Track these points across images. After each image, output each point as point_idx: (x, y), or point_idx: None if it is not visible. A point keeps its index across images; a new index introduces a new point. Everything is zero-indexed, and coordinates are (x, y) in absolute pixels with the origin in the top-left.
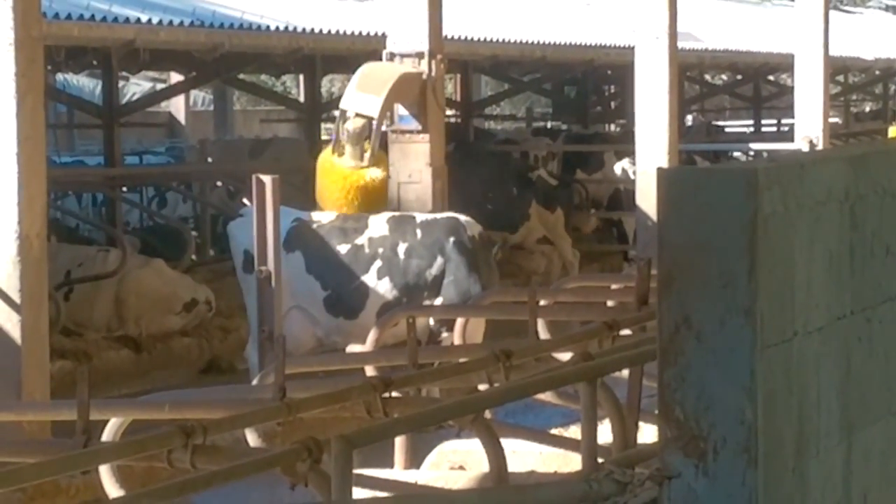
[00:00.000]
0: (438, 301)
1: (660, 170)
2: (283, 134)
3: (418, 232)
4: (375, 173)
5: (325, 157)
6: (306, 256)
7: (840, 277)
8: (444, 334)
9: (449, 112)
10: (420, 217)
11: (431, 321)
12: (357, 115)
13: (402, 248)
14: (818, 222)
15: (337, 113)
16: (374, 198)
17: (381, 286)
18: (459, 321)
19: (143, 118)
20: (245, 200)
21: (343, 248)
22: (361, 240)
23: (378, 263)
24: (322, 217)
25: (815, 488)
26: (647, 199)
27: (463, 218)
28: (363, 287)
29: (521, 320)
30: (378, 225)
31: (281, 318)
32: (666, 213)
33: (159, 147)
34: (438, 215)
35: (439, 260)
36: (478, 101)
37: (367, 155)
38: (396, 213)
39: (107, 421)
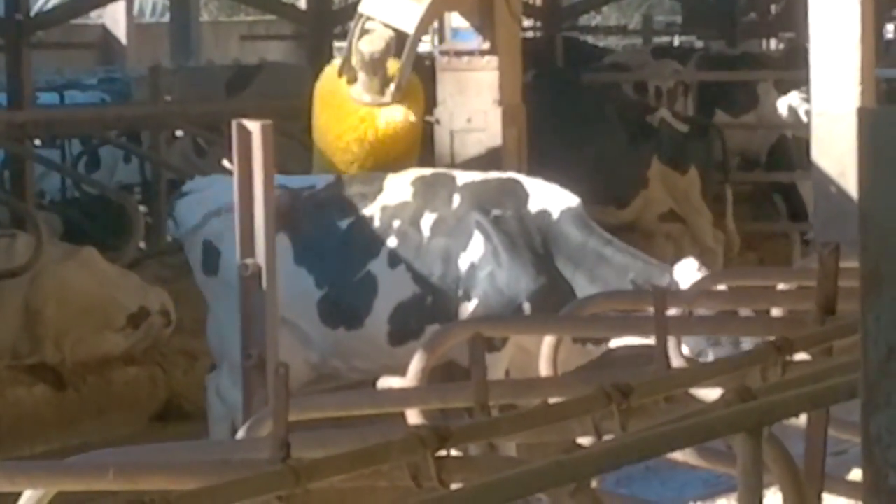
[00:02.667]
0: (473, 305)
1: (862, 111)
2: (276, 58)
3: (455, 199)
4: (398, 115)
5: (328, 82)
6: (295, 241)
7: None
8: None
9: (527, 24)
10: (463, 177)
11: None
12: (385, 25)
13: (427, 221)
14: None
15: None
16: (398, 153)
17: (394, 278)
18: (547, 341)
19: (64, 36)
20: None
21: (346, 223)
22: (371, 209)
23: (392, 243)
24: (318, 181)
25: None
26: (828, 153)
27: (530, 180)
28: (369, 280)
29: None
30: (397, 187)
31: (276, 336)
32: (872, 177)
33: (89, 79)
34: (492, 175)
35: (476, 240)
36: (569, 6)
37: (390, 87)
38: (427, 171)
39: (17, 495)
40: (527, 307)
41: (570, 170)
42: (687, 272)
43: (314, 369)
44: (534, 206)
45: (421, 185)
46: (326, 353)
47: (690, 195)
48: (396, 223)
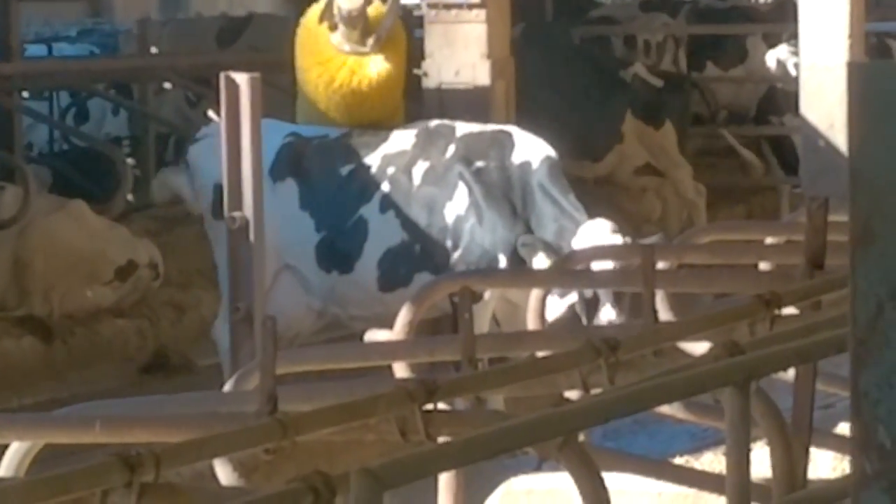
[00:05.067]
0: (456, 255)
1: (851, 65)
2: (266, 10)
3: (450, 149)
4: (378, 65)
5: (309, 28)
6: (301, 186)
7: None
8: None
9: None
10: (463, 128)
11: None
12: None
13: (419, 170)
14: None
15: None
16: (378, 102)
17: (384, 223)
18: (534, 294)
19: None
20: (212, 113)
21: (346, 170)
22: (373, 157)
23: (384, 189)
24: (332, 132)
25: None
26: (816, 106)
27: (519, 132)
28: (361, 224)
29: (629, 293)
30: (401, 138)
31: (264, 288)
32: (862, 132)
33: (77, 30)
34: (488, 127)
35: (461, 191)
36: None
37: (372, 38)
38: (434, 123)
39: (5, 446)
40: (502, 259)
41: (546, 124)
42: (595, 233)
43: (318, 317)
44: (517, 158)
45: (424, 135)
46: (325, 299)
47: (667, 149)
48: (391, 170)
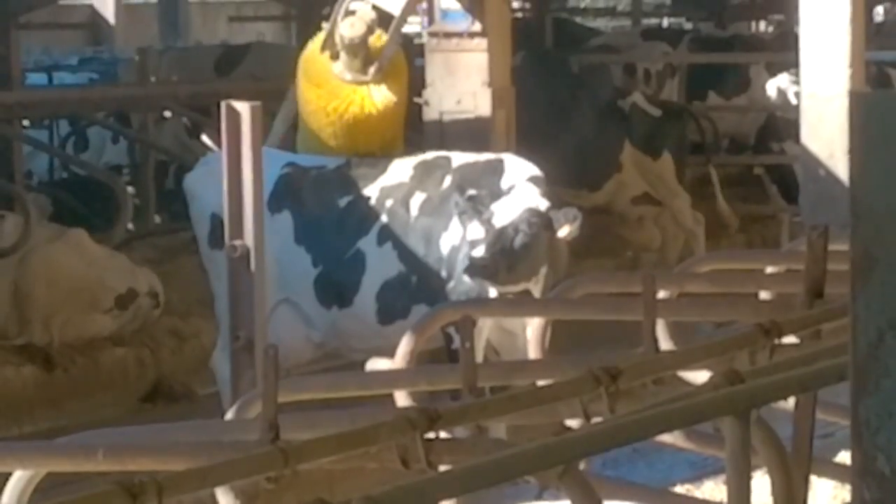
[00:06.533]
0: (450, 285)
1: (853, 95)
2: (265, 38)
3: (447, 179)
4: (379, 94)
5: (312, 57)
6: (297, 218)
7: None
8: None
9: (517, 5)
10: (459, 158)
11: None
12: (372, 6)
13: (416, 201)
14: None
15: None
16: (378, 131)
17: (381, 256)
18: (535, 323)
19: (52, 16)
20: (206, 139)
21: (344, 202)
22: (371, 189)
23: (382, 221)
24: (329, 162)
25: None
26: (816, 136)
27: (511, 159)
28: (358, 257)
29: (628, 322)
30: (400, 169)
31: (265, 317)
32: (863, 161)
33: (77, 59)
34: (482, 156)
35: (456, 221)
36: None
37: (373, 67)
38: (431, 155)
39: (7, 475)
40: (492, 290)
41: (544, 153)
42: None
43: (318, 348)
44: (506, 183)
45: (421, 167)
46: (326, 333)
47: (665, 179)
48: (389, 202)
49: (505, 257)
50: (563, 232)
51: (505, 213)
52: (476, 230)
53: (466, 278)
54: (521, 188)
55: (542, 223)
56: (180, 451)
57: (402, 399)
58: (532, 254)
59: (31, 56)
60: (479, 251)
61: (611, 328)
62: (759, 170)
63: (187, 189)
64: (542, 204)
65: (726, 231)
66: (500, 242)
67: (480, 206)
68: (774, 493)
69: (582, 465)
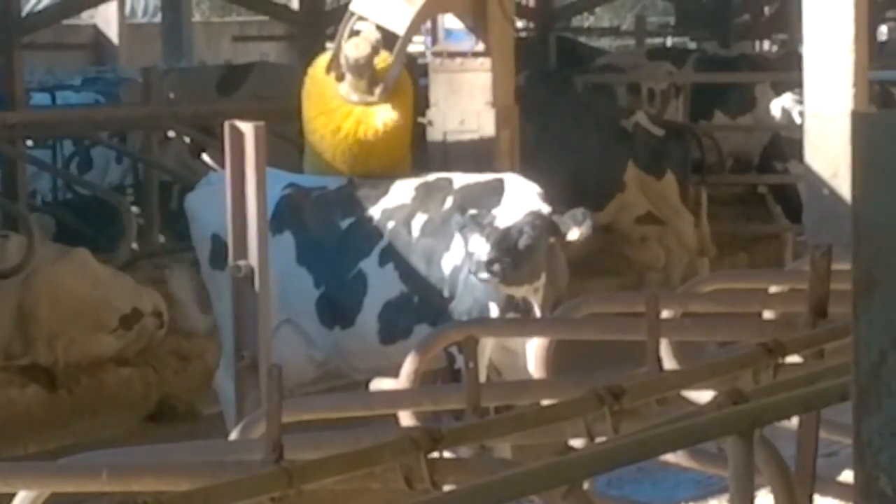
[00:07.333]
0: (451, 305)
1: (856, 115)
2: (269, 58)
3: (448, 200)
4: (385, 115)
5: (316, 78)
6: (299, 239)
7: None
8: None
9: (520, 24)
10: (461, 180)
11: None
12: (377, 26)
13: (417, 222)
14: None
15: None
16: (384, 152)
17: (383, 276)
18: (539, 343)
19: (56, 36)
20: (207, 159)
21: (346, 224)
22: (373, 210)
23: (384, 242)
24: (331, 182)
25: None
26: (820, 155)
27: (512, 178)
28: (360, 278)
29: (632, 342)
30: (402, 190)
31: (269, 337)
32: (865, 181)
33: (81, 79)
34: (484, 176)
35: (458, 241)
36: (562, 7)
37: (379, 87)
38: (432, 177)
39: (10, 496)
40: (493, 308)
41: (548, 172)
42: (519, 197)
43: (320, 367)
44: (506, 202)
45: (423, 189)
46: (328, 353)
47: (668, 198)
48: (391, 224)
49: (509, 256)
50: (574, 235)
51: (507, 216)
52: (478, 243)
53: (466, 298)
54: (522, 197)
55: (545, 226)
56: (184, 471)
57: (406, 419)
58: (535, 255)
59: (35, 76)
60: (485, 250)
61: (614, 348)
62: (763, 189)
63: (189, 209)
64: (544, 208)
65: (703, 254)
66: (505, 241)
67: (481, 220)
68: None
69: (586, 485)
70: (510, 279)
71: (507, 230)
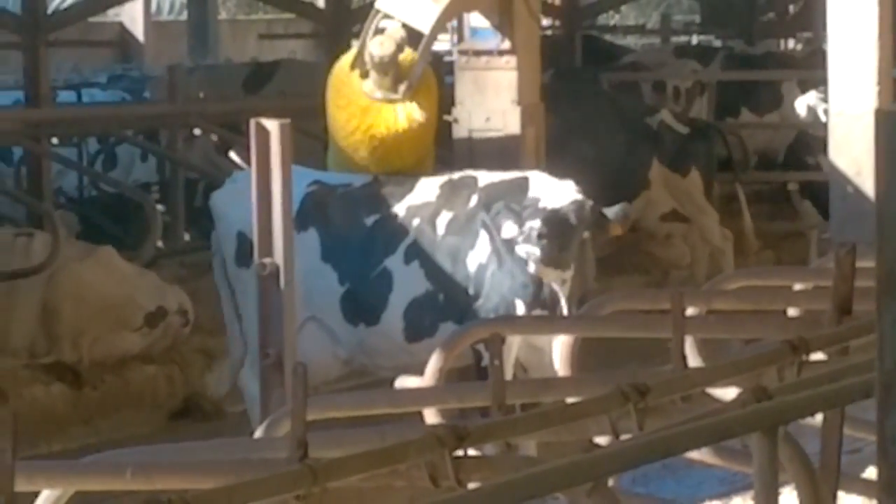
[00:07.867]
0: (478, 303)
1: (879, 113)
2: (296, 56)
3: (473, 199)
4: (409, 112)
5: (341, 75)
6: (324, 236)
7: None
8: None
9: (546, 22)
10: (485, 178)
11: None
12: (402, 24)
13: (443, 220)
14: None
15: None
16: (409, 149)
17: (408, 274)
18: (565, 340)
19: (81, 34)
20: (234, 156)
21: (371, 221)
22: (398, 208)
23: (409, 240)
24: (356, 180)
25: None
26: (845, 153)
27: (537, 176)
28: (385, 276)
29: (656, 339)
30: (427, 188)
31: (294, 335)
32: (889, 179)
33: (107, 76)
34: (508, 175)
35: (483, 238)
36: (588, 5)
37: (403, 85)
38: (457, 175)
39: (34, 494)
40: (520, 306)
41: (574, 170)
42: (555, 188)
43: (345, 365)
44: (530, 200)
45: (448, 187)
46: (353, 350)
47: (693, 196)
48: (416, 221)
49: (559, 234)
50: (617, 230)
51: (553, 200)
52: (510, 229)
53: (493, 296)
54: (556, 189)
55: (590, 215)
56: (209, 469)
57: (431, 416)
58: (576, 241)
59: (61, 74)
60: (537, 224)
61: (639, 345)
62: (793, 186)
63: (214, 207)
64: (587, 200)
65: (747, 251)
66: (557, 218)
67: (517, 207)
68: None
69: (611, 482)
70: (551, 258)
71: (558, 210)
